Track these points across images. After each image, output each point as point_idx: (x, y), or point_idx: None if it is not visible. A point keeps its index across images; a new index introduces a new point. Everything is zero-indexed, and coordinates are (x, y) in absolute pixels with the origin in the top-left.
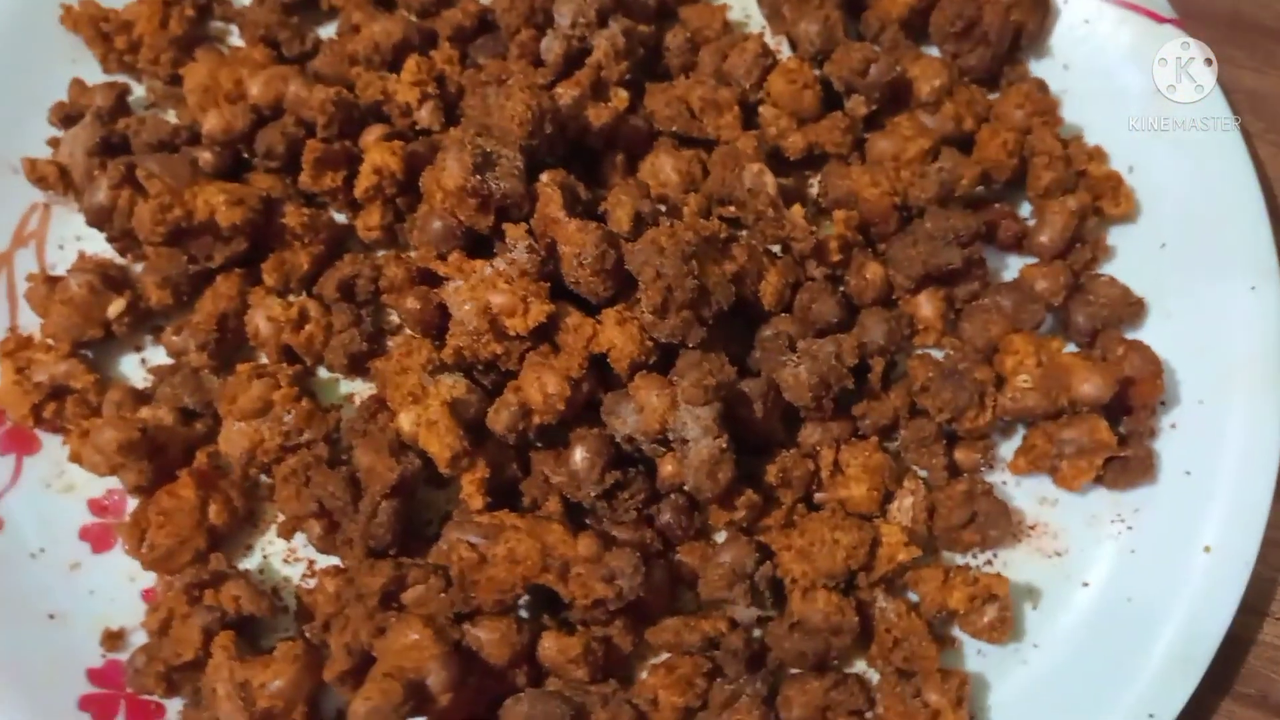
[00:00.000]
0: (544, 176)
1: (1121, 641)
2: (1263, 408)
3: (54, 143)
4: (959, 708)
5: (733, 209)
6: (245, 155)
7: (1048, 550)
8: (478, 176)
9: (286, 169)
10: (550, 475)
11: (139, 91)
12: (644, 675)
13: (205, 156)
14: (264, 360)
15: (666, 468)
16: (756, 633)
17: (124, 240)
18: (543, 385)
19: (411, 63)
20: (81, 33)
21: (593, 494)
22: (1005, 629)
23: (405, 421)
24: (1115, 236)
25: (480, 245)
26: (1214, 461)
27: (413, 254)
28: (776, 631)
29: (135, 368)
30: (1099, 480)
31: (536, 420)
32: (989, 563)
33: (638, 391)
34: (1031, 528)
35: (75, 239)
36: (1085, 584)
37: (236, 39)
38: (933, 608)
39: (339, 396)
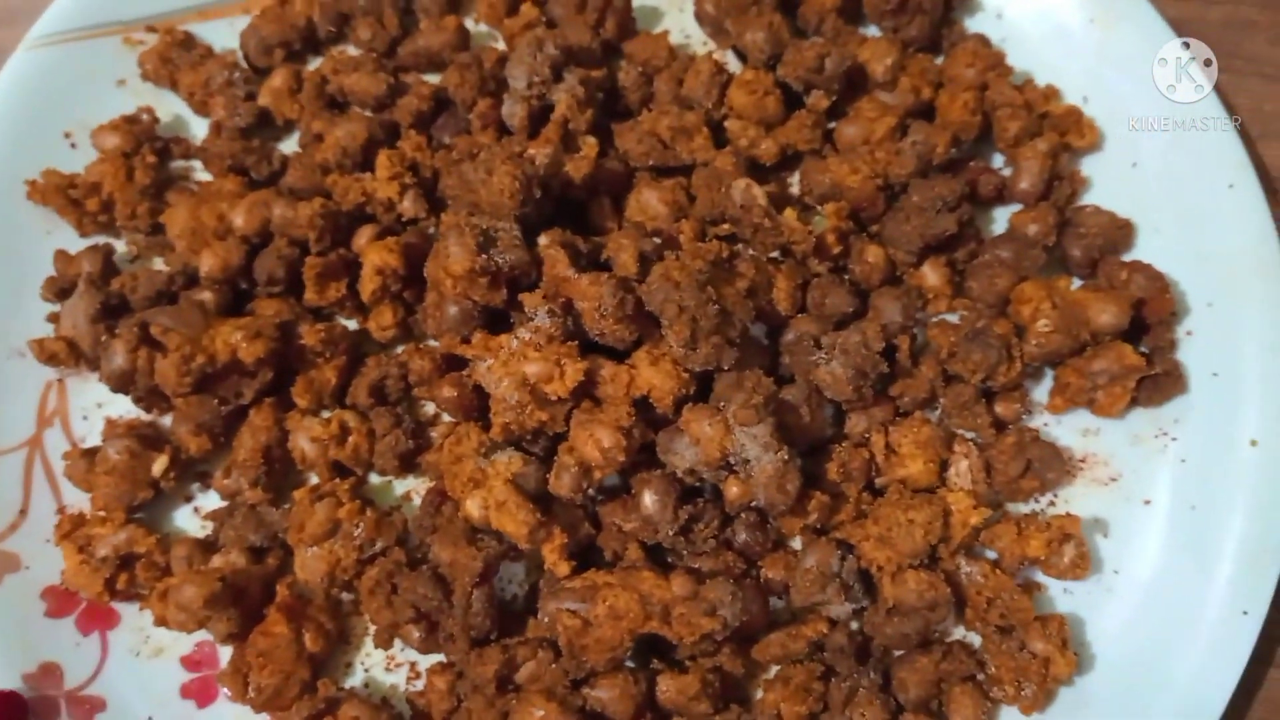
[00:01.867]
0: (543, 239)
1: (1196, 548)
2: (1271, 294)
3: (53, 318)
4: (1065, 649)
5: (726, 226)
6: (243, 286)
7: (1103, 478)
8: (483, 256)
9: (289, 290)
10: (622, 524)
11: (119, 247)
12: (760, 693)
13: (206, 297)
14: (315, 480)
15: (733, 490)
16: (854, 625)
17: (149, 398)
18: (597, 441)
19: (384, 158)
20: (51, 204)
21: (670, 533)
22: (1085, 564)
23: (473, 508)
24: (1087, 166)
25: (494, 320)
26: (1237, 358)
27: (432, 343)
28: (875, 620)
29: (189, 518)
30: (1133, 401)
31: (598, 476)
32: (1051, 504)
33: (689, 425)
34: (1081, 461)
35: (96, 406)
36: (1146, 502)
37: (200, 173)
38: (1014, 561)
39: (394, 497)
